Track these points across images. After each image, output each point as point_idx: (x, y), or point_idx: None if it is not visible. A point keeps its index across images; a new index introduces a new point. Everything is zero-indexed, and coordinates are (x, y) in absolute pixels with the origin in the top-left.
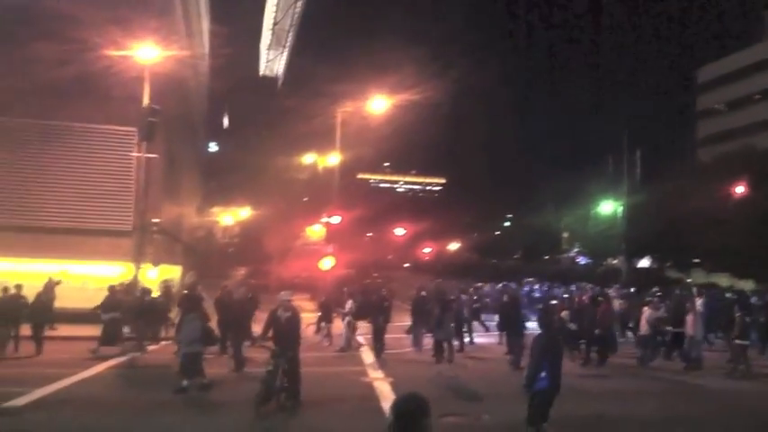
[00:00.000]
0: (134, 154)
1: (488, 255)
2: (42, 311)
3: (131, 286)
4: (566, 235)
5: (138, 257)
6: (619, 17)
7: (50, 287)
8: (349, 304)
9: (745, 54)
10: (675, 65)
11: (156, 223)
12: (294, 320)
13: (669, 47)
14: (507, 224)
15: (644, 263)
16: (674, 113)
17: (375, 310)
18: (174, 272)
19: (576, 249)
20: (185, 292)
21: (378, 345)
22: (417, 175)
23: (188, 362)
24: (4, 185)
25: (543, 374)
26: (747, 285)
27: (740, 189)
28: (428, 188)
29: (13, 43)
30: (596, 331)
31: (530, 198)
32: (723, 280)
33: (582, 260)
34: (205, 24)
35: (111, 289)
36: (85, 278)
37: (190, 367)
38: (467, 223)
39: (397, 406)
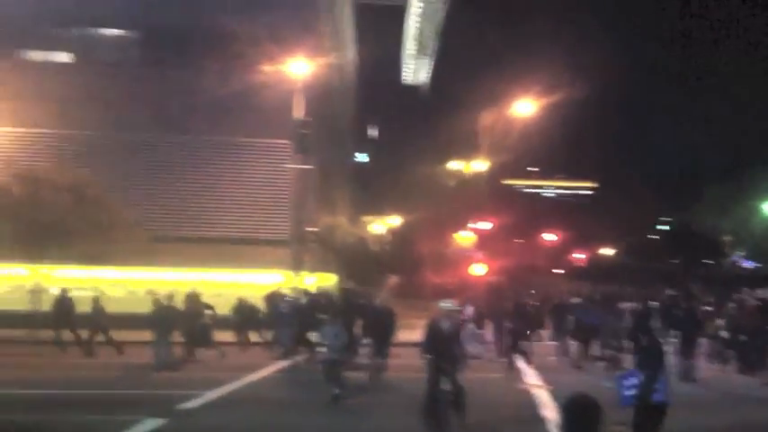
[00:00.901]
0: (290, 165)
1: (645, 259)
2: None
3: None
4: (728, 238)
5: (296, 266)
6: None
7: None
8: (469, 310)
9: None
10: None
11: (311, 232)
12: (456, 331)
13: None
14: (664, 227)
15: None
16: None
17: (517, 316)
18: (329, 279)
19: (739, 253)
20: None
21: (517, 350)
22: (565, 179)
23: (328, 369)
24: (170, 197)
25: (658, 386)
26: None
27: None
28: (577, 192)
29: (182, 63)
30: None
31: (688, 200)
32: None
33: (746, 264)
34: (350, 35)
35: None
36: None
37: (329, 375)
38: (620, 227)
39: (573, 403)
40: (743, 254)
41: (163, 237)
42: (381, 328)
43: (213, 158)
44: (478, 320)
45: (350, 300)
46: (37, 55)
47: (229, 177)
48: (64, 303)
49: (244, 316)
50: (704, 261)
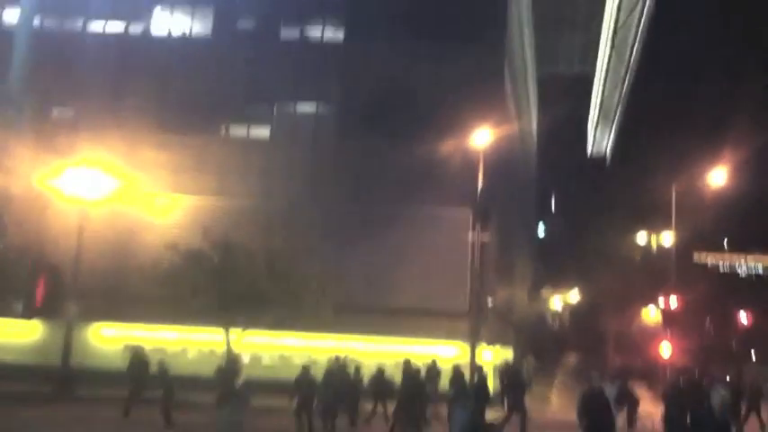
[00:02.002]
0: (470, 236)
1: None
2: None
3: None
4: None
5: (473, 338)
6: None
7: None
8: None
9: None
10: None
11: (489, 305)
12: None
13: None
14: None
15: None
16: None
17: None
18: (506, 354)
19: None
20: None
21: None
22: (761, 253)
23: None
24: (355, 267)
25: None
26: None
27: None
28: None
29: (374, 135)
30: None
31: None
32: None
33: None
34: (533, 105)
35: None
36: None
37: None
38: None
39: None
40: None
41: (346, 305)
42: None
43: (397, 228)
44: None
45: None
46: (240, 130)
47: (412, 247)
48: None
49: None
50: None
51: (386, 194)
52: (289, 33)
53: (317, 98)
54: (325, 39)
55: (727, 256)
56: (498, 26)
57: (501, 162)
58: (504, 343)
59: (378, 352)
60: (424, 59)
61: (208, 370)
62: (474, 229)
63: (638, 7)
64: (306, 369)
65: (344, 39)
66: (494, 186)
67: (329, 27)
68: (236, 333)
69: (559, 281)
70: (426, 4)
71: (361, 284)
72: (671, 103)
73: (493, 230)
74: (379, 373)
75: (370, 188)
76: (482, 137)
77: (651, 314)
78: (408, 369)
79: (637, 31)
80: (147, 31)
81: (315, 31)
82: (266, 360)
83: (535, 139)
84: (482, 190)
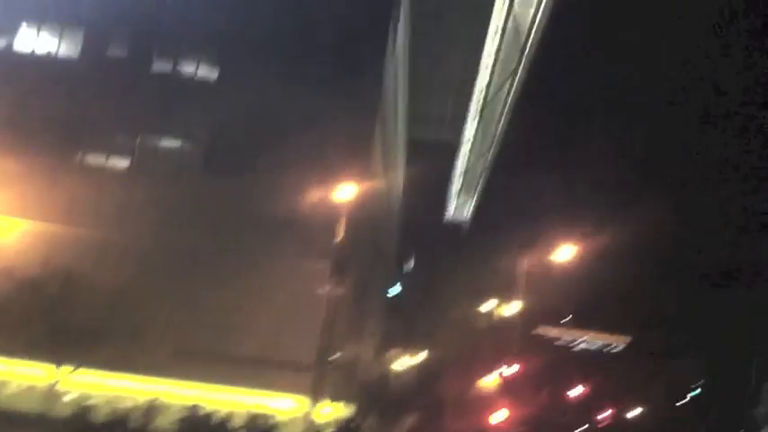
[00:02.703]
0: (325, 289)
1: (673, 424)
2: None
3: None
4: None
5: (314, 393)
6: None
7: None
8: None
9: None
10: None
11: (334, 360)
12: None
13: None
14: (695, 393)
15: None
16: None
17: None
18: (347, 411)
19: None
20: None
21: None
22: (599, 332)
23: None
24: (203, 310)
25: None
26: None
27: None
28: (609, 346)
29: (233, 175)
30: None
31: (728, 365)
32: None
33: None
34: (399, 168)
35: None
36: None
37: None
38: (648, 389)
39: None
40: None
41: (190, 350)
42: None
43: (253, 276)
44: None
45: None
46: (98, 159)
47: (265, 296)
48: None
49: None
50: None
51: (245, 239)
52: (161, 66)
53: (184, 135)
54: (198, 75)
55: (568, 330)
56: (374, 83)
57: (363, 218)
58: (347, 400)
59: (214, 400)
60: (297, 107)
61: (26, 406)
62: (330, 282)
63: (508, 84)
64: None
65: (218, 77)
66: (354, 242)
67: (204, 64)
68: (65, 370)
69: (408, 341)
70: (306, 55)
71: (209, 330)
72: (531, 178)
73: (348, 285)
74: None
75: (230, 232)
76: (347, 191)
77: (492, 381)
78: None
79: (504, 105)
80: (9, 47)
81: (188, 67)
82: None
83: (400, 199)
84: (341, 244)
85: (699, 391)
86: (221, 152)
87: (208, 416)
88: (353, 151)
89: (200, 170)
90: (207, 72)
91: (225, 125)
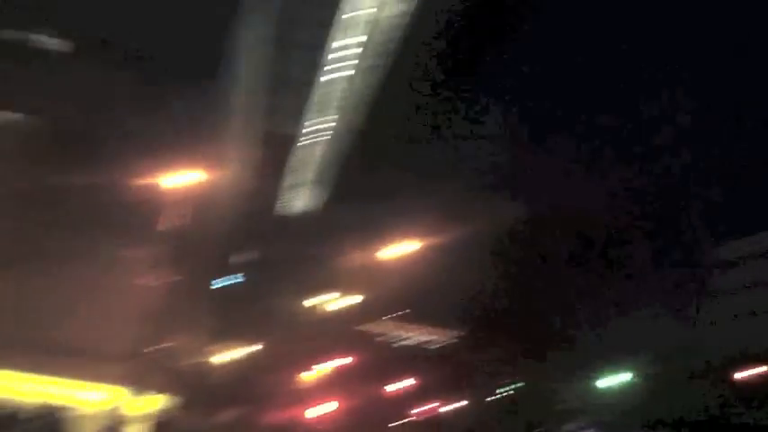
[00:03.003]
0: (145, 279)
1: (483, 421)
2: None
3: None
4: (566, 404)
5: (128, 385)
6: None
7: None
8: None
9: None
10: None
11: (151, 352)
12: None
13: None
14: (506, 389)
15: None
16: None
17: None
18: (163, 403)
19: (579, 422)
20: None
21: None
22: (429, 326)
23: None
24: (20, 299)
25: None
26: None
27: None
28: (439, 341)
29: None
30: None
31: (534, 362)
32: None
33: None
34: (237, 159)
35: None
36: None
37: None
38: (466, 384)
39: None
40: (588, 421)
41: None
42: None
43: (68, 262)
44: None
45: None
46: None
47: (87, 285)
48: None
49: None
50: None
51: (65, 226)
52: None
53: (29, 110)
54: (50, 47)
55: (395, 325)
56: (223, 76)
57: (193, 209)
58: (164, 392)
59: (17, 390)
60: (143, 92)
61: None
62: (152, 272)
63: (353, 78)
64: None
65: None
66: (181, 231)
67: (57, 38)
68: None
69: (235, 334)
70: (158, 36)
71: (21, 318)
72: (370, 173)
73: (172, 276)
74: None
75: (50, 219)
76: (176, 180)
77: (317, 375)
78: None
79: (347, 99)
80: None
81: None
82: None
83: (237, 190)
84: (167, 233)
85: (517, 386)
86: (65, 131)
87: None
88: (188, 141)
89: (38, 149)
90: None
91: (70, 103)
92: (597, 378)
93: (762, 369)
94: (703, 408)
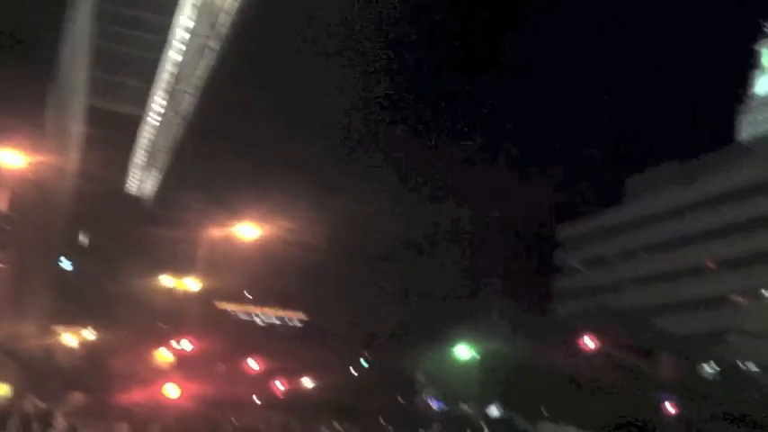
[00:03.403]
0: None
1: (344, 394)
2: None
3: None
4: (420, 377)
5: None
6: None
7: None
8: None
9: (602, 217)
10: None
11: None
12: None
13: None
14: (365, 364)
15: (494, 410)
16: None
17: None
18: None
19: (429, 392)
20: None
21: None
22: (279, 308)
23: None
24: None
25: None
26: None
27: (590, 343)
28: (288, 322)
29: None
30: None
31: (387, 339)
32: None
33: (436, 404)
34: (76, 137)
35: None
36: None
37: None
38: (324, 361)
39: None
40: (434, 394)
41: None
42: None
43: None
44: None
45: None
46: None
47: None
48: None
49: None
50: (399, 399)
51: None
52: None
53: None
54: None
55: (248, 306)
56: (47, 51)
57: (31, 190)
58: (3, 379)
59: None
60: None
61: None
62: None
63: (199, 61)
64: None
65: None
66: (19, 213)
67: None
68: None
69: (81, 318)
70: None
71: None
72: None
73: (8, 258)
74: None
75: None
76: (10, 159)
77: (167, 356)
78: None
79: (194, 82)
80: None
81: None
82: None
83: (76, 171)
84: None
85: (366, 364)
86: None
87: None
88: (18, 121)
89: None
90: None
91: None
92: (445, 355)
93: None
94: (533, 382)
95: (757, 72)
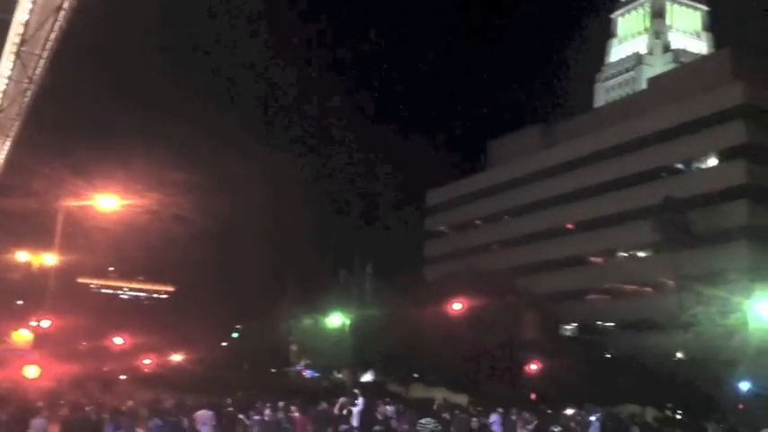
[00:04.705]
0: None
1: (214, 367)
2: None
3: None
4: (294, 348)
5: None
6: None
7: None
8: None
9: (468, 182)
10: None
11: None
12: None
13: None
14: (235, 335)
15: (368, 377)
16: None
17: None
18: None
19: (303, 362)
20: None
21: None
22: (144, 281)
23: None
24: None
25: None
26: (461, 399)
27: (457, 306)
28: (154, 296)
29: None
30: None
31: (257, 309)
32: (439, 394)
33: (309, 373)
34: None
35: None
36: None
37: None
38: (193, 334)
39: None
40: (307, 363)
41: None
42: None
43: None
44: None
45: None
46: None
47: None
48: None
49: None
50: (272, 369)
51: None
52: None
53: None
54: None
55: (114, 280)
56: None
57: None
58: None
59: None
60: None
61: None
62: None
63: (48, 23)
64: None
65: None
66: None
67: None
68: None
69: None
70: None
71: None
72: (76, 126)
73: None
74: None
75: None
76: None
77: (24, 335)
78: None
79: (45, 44)
80: None
81: None
82: None
83: None
84: None
85: (236, 334)
86: None
87: None
88: None
89: None
90: None
91: None
92: (318, 325)
93: (461, 306)
94: (405, 346)
95: (613, 41)
